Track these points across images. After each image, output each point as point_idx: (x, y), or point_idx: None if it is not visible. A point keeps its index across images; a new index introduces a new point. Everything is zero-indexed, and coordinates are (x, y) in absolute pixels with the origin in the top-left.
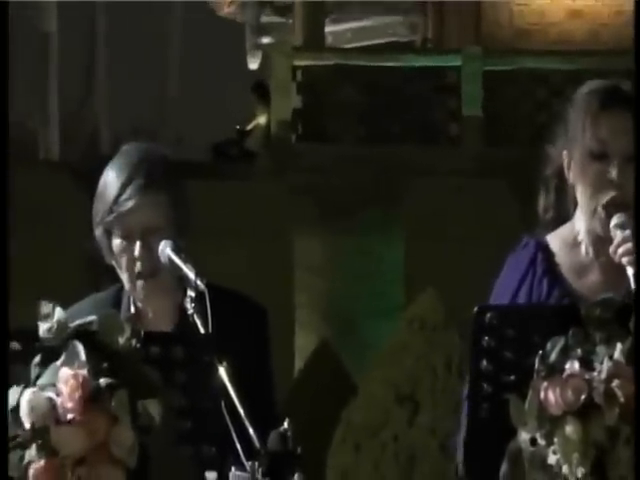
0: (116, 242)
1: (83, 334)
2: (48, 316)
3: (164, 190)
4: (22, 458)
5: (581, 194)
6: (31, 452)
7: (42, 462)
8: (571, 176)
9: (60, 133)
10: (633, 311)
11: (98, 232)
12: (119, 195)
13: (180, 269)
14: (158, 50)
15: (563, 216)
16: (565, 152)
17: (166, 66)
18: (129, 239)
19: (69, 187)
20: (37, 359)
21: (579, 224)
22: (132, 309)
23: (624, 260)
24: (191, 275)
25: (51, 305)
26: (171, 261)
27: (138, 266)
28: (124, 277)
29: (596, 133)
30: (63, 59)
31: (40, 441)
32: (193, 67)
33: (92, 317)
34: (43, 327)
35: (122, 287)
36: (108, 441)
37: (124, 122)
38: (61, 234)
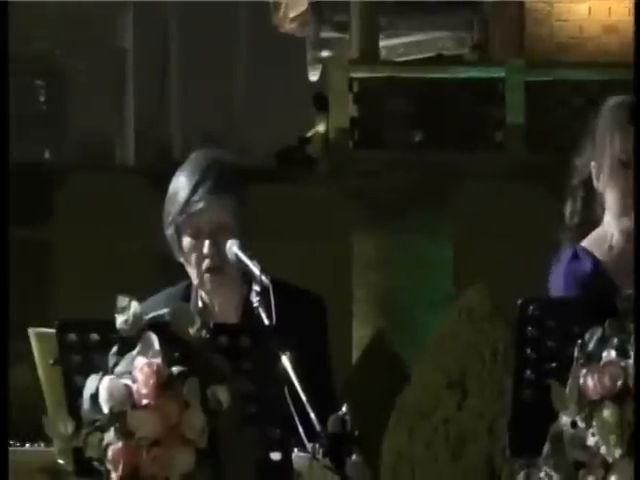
0: (186, 241)
1: (157, 325)
2: (124, 309)
3: (231, 193)
4: (101, 440)
5: (613, 200)
6: (109, 435)
7: (119, 444)
8: (600, 185)
9: (135, 141)
10: None
11: (169, 231)
12: (190, 197)
13: (246, 265)
14: (226, 63)
15: (588, 221)
16: (593, 163)
17: (233, 78)
18: (198, 238)
19: (143, 190)
20: (114, 349)
21: (611, 227)
22: (200, 303)
23: None
24: (256, 271)
25: (127, 299)
26: (238, 258)
27: (207, 262)
28: (193, 273)
29: (625, 144)
30: (138, 72)
31: (118, 424)
32: (258, 79)
33: (165, 310)
34: (120, 319)
35: (191, 283)
36: (180, 424)
37: (195, 130)
38: (136, 234)
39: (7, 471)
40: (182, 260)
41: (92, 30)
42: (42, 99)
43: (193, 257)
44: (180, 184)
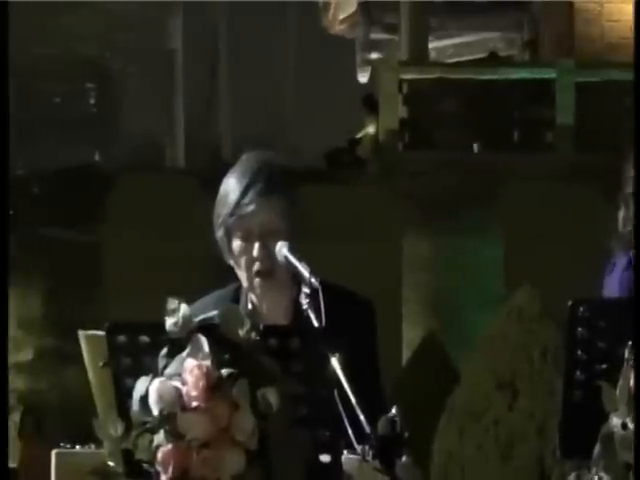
0: (236, 243)
1: (206, 327)
2: (174, 311)
3: (282, 195)
4: (151, 442)
5: None
6: (159, 437)
7: (169, 446)
8: None
9: (185, 142)
10: None
11: (219, 234)
12: (240, 199)
13: (295, 267)
14: (276, 65)
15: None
16: None
17: (283, 79)
18: (248, 240)
19: (193, 192)
20: (164, 351)
21: None
22: (249, 305)
23: None
24: (306, 273)
25: (177, 301)
26: (287, 260)
27: (257, 265)
28: (243, 276)
29: None
30: (188, 74)
31: (167, 426)
32: (308, 80)
33: (214, 312)
34: (170, 321)
35: (240, 285)
36: (230, 426)
37: (244, 132)
38: (186, 236)
39: (7, 472)
40: (232, 263)
41: (142, 32)
42: (92, 102)
43: (243, 260)
44: (230, 186)
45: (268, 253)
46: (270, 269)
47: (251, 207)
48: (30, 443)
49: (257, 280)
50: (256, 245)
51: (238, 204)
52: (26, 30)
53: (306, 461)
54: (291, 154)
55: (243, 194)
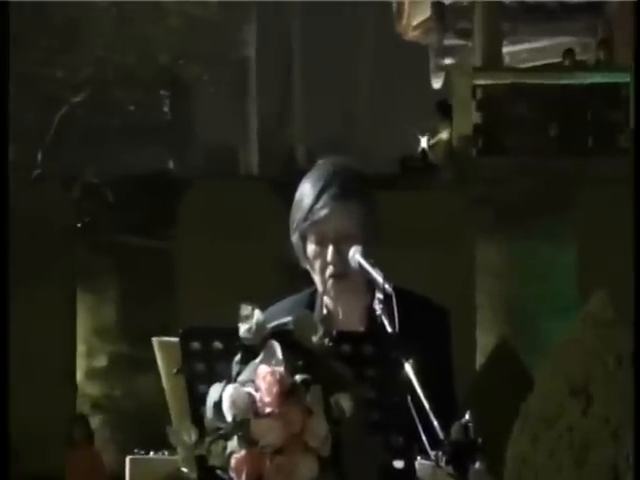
0: (310, 247)
1: (280, 334)
2: (248, 318)
3: (356, 200)
4: (225, 449)
5: None
6: (233, 443)
7: (243, 452)
8: None
9: (259, 150)
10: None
11: (294, 238)
12: (314, 204)
13: (369, 273)
14: (349, 71)
15: None
16: None
17: (357, 86)
18: (322, 244)
19: (267, 198)
20: (238, 357)
21: None
22: (324, 310)
23: None
24: (379, 279)
25: (250, 308)
26: (360, 266)
27: (330, 269)
28: (317, 280)
29: None
30: (261, 81)
31: (241, 433)
32: (381, 86)
33: (288, 318)
34: (243, 328)
35: (315, 290)
36: (303, 432)
37: (318, 138)
38: (260, 242)
39: (8, 471)
40: (307, 267)
41: (216, 40)
42: (166, 109)
43: (317, 264)
44: (305, 191)
45: (342, 257)
46: (344, 273)
47: (325, 211)
48: (80, 450)
49: (331, 283)
50: (330, 249)
51: (312, 208)
52: (100, 38)
53: (379, 467)
54: (364, 160)
55: (317, 198)
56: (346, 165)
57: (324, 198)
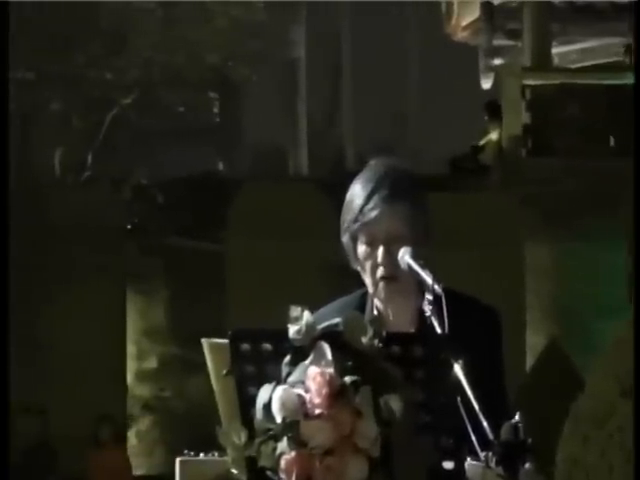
0: (361, 248)
1: (329, 335)
2: (297, 319)
3: (406, 201)
4: (274, 450)
5: None
6: (282, 444)
7: (293, 453)
8: None
9: (308, 151)
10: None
11: (345, 239)
12: (364, 205)
13: (418, 274)
14: (398, 72)
15: None
16: None
17: (405, 87)
18: (373, 246)
19: (317, 200)
20: (287, 358)
21: None
22: (375, 312)
23: None
24: (428, 280)
25: (300, 309)
26: (410, 267)
27: (380, 271)
28: (368, 281)
29: None
30: (311, 82)
31: (291, 434)
32: (430, 87)
33: (337, 319)
34: (293, 329)
35: (366, 291)
36: (353, 433)
37: (367, 139)
38: (310, 243)
39: (8, 471)
40: (358, 268)
41: (265, 41)
42: (216, 110)
43: (368, 265)
44: (356, 192)
45: (392, 259)
46: (394, 274)
47: (375, 213)
48: (106, 450)
49: (381, 285)
50: (380, 250)
51: (362, 210)
52: (148, 40)
53: (429, 468)
54: (414, 161)
55: (367, 200)
56: (396, 166)
57: (374, 199)
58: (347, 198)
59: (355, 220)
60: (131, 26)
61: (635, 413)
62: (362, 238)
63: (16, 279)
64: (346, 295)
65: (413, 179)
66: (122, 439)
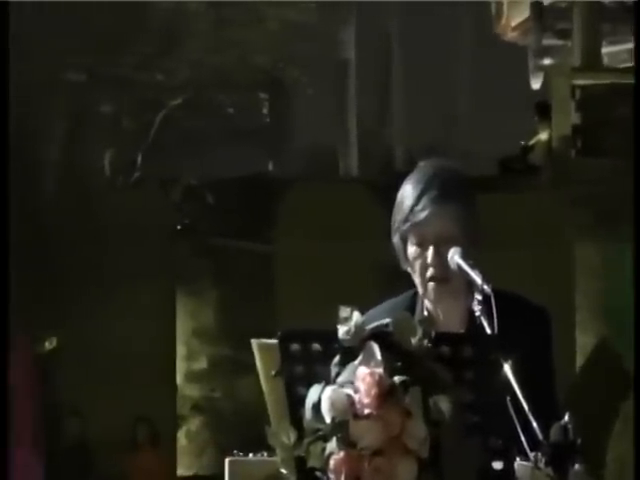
0: (411, 249)
1: (379, 335)
2: (347, 319)
3: (456, 202)
4: (323, 450)
5: None
6: (332, 444)
7: (342, 453)
8: None
9: (358, 151)
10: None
11: (395, 239)
12: (414, 206)
13: (468, 274)
14: (448, 73)
15: None
16: None
17: (455, 88)
18: (423, 246)
19: (367, 201)
20: (336, 359)
21: None
22: (425, 312)
23: None
24: (478, 280)
25: (349, 309)
26: (459, 267)
27: (430, 271)
28: (417, 281)
29: None
30: (360, 83)
31: (340, 434)
32: (480, 87)
33: (387, 320)
34: (342, 330)
35: (416, 292)
36: (402, 434)
37: (418, 140)
38: (359, 244)
39: (7, 471)
40: (408, 268)
41: (315, 42)
42: (265, 112)
43: (417, 265)
44: (406, 193)
45: (441, 259)
46: (444, 275)
47: (424, 213)
48: (144, 452)
49: (431, 286)
50: (430, 251)
51: (412, 210)
52: (198, 41)
53: (478, 469)
54: (464, 161)
55: (417, 200)
56: (446, 167)
57: (424, 200)
58: (398, 199)
59: (405, 220)
60: (182, 27)
61: (635, 413)
62: (412, 239)
63: (66, 281)
64: (395, 296)
65: (463, 180)
66: (158, 441)
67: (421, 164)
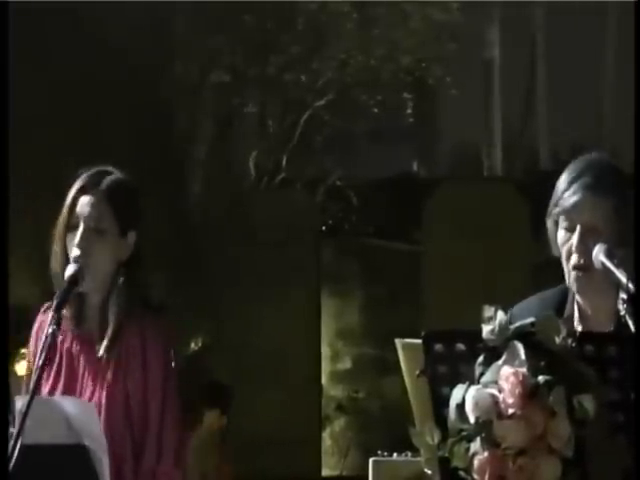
0: (560, 234)
1: (522, 335)
2: (491, 319)
3: (608, 194)
4: (467, 450)
5: None
6: (476, 444)
7: (486, 453)
8: None
9: (502, 150)
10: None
11: (549, 224)
12: (566, 190)
13: (612, 272)
14: (594, 70)
15: None
16: None
17: (602, 85)
18: (570, 231)
19: (512, 200)
20: (481, 359)
21: None
22: (575, 308)
23: None
24: (623, 278)
25: (493, 309)
26: (604, 265)
27: (574, 258)
28: (565, 269)
29: None
30: (505, 83)
31: (484, 434)
32: (626, 87)
33: (530, 319)
34: (486, 329)
35: (567, 287)
36: (546, 433)
37: (563, 139)
38: (504, 242)
39: (7, 471)
40: (558, 254)
41: (459, 42)
42: (409, 111)
43: (564, 250)
44: (561, 179)
45: (586, 248)
46: (586, 265)
47: (574, 198)
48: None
49: (574, 274)
50: (575, 237)
51: (563, 195)
52: (343, 42)
53: (624, 469)
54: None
55: (569, 185)
56: (605, 160)
57: (575, 186)
58: (555, 187)
59: (556, 204)
60: (328, 27)
61: (635, 413)
62: (562, 223)
63: (212, 281)
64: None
65: (619, 175)
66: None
67: (581, 157)
